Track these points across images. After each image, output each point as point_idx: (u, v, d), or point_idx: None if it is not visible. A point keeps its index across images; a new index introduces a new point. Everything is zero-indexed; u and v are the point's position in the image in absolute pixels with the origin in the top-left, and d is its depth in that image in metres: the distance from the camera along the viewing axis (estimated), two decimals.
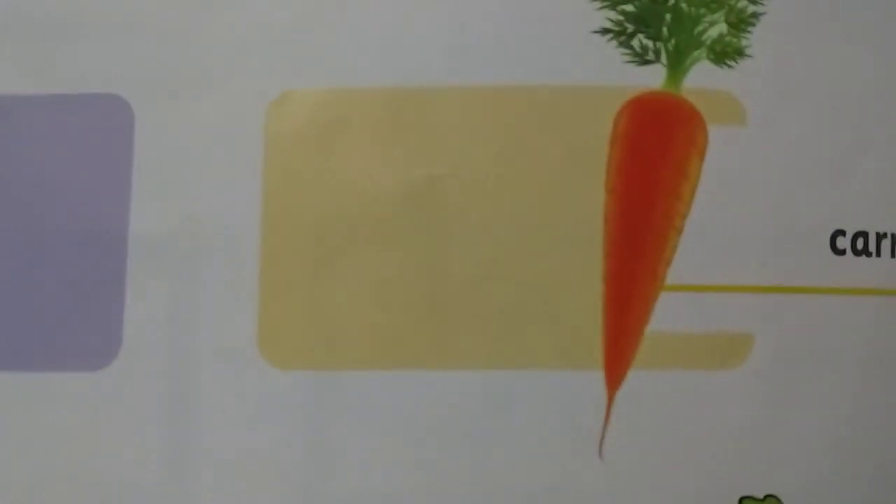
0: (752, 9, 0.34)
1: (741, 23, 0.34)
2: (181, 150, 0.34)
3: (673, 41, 0.34)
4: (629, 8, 0.34)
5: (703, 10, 0.34)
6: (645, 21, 0.34)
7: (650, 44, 0.34)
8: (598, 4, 0.34)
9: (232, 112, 0.34)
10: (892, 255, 0.33)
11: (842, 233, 0.33)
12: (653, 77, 0.34)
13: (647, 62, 0.34)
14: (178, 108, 0.34)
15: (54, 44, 0.34)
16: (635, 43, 0.34)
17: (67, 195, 0.34)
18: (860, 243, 0.33)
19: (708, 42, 0.34)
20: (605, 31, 0.34)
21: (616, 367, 0.32)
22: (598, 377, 0.32)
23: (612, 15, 0.34)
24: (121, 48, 0.34)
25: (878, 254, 0.33)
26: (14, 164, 0.34)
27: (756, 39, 0.34)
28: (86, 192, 0.34)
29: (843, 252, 0.33)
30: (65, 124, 0.34)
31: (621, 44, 0.34)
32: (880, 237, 0.33)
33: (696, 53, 0.34)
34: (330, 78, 0.34)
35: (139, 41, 0.34)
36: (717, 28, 0.34)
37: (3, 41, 0.34)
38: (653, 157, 0.33)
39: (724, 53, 0.34)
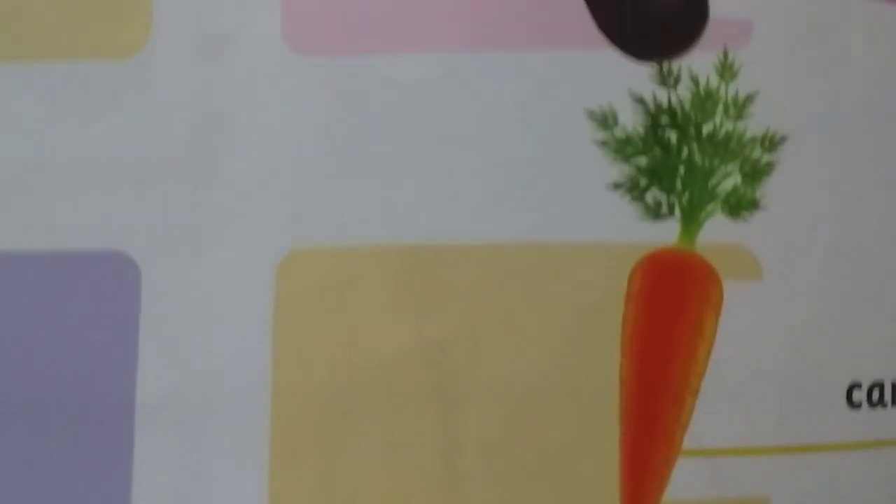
0: (766, 158, 0.33)
1: (756, 173, 0.33)
2: (188, 308, 0.33)
3: (687, 194, 0.33)
4: (642, 161, 0.33)
5: (716, 162, 0.33)
6: (658, 174, 0.33)
7: (664, 198, 0.33)
8: (611, 158, 0.33)
9: (240, 270, 0.33)
10: None
11: (857, 385, 0.33)
12: (667, 232, 0.33)
13: (661, 217, 0.33)
14: (184, 265, 0.33)
15: (56, 198, 0.33)
16: (649, 197, 0.33)
17: (70, 357, 0.33)
18: (875, 395, 0.33)
19: (722, 195, 0.33)
20: (618, 185, 0.33)
21: None
22: None
23: (626, 169, 0.33)
24: (126, 203, 0.33)
25: (894, 404, 0.33)
26: (14, 324, 0.33)
27: (770, 190, 0.33)
28: (90, 354, 0.33)
29: (858, 406, 0.33)
30: (68, 282, 0.33)
31: (634, 198, 0.33)
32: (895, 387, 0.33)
33: (710, 207, 0.33)
34: (339, 235, 0.33)
35: (144, 196, 0.33)
36: (731, 180, 0.33)
37: (4, 195, 0.33)
38: (669, 318, 0.32)
39: (739, 206, 0.33)
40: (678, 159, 0.33)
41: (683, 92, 0.33)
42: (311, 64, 0.34)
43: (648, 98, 0.33)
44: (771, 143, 0.33)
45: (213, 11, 0.34)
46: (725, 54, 0.33)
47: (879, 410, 0.33)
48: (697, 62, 0.33)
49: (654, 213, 0.33)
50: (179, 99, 0.34)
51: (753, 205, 0.33)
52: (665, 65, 0.33)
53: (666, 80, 0.33)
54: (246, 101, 0.34)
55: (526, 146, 0.33)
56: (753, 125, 0.33)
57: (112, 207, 0.33)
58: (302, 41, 0.34)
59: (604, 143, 0.33)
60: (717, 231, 0.33)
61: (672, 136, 0.33)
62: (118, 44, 0.34)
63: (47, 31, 0.34)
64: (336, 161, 0.33)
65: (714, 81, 0.33)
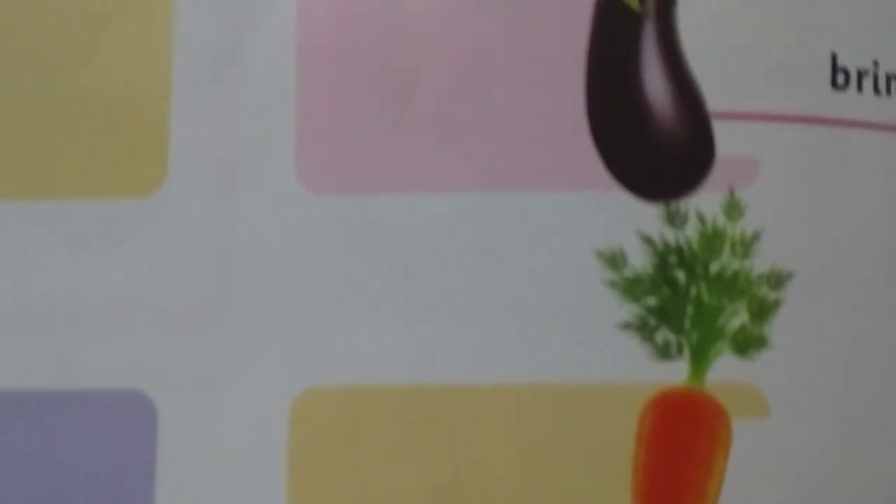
0: (773, 296, 0.33)
1: (763, 311, 0.33)
2: (205, 450, 0.33)
3: (695, 334, 0.33)
4: (651, 301, 0.33)
5: (724, 300, 0.33)
6: (667, 314, 0.33)
7: (673, 338, 0.33)
8: (620, 298, 0.33)
9: (255, 409, 0.33)
10: None
11: None
12: (676, 372, 0.33)
13: (669, 357, 0.33)
14: (201, 404, 0.33)
15: (74, 337, 0.34)
16: (658, 337, 0.33)
17: (88, 498, 0.33)
18: None
19: (730, 333, 0.33)
20: (627, 325, 0.33)
21: None
22: None
23: (635, 309, 0.33)
24: (144, 344, 0.33)
25: None
26: (32, 464, 0.33)
27: (778, 327, 0.33)
28: (107, 495, 0.33)
29: None
30: (86, 422, 0.33)
31: (644, 339, 0.33)
32: None
33: (718, 346, 0.33)
34: (353, 375, 0.33)
35: (161, 336, 0.34)
36: (738, 318, 0.33)
37: (22, 333, 0.34)
38: (679, 459, 0.33)
39: (747, 345, 0.33)
40: (686, 299, 0.33)
41: (691, 231, 0.34)
42: (325, 204, 0.34)
43: (656, 238, 0.33)
44: (777, 280, 0.33)
45: (229, 152, 0.34)
46: (732, 193, 0.34)
47: None
48: (704, 202, 0.34)
49: (664, 353, 0.33)
50: (196, 239, 0.34)
51: (761, 343, 0.33)
52: (672, 205, 0.34)
53: (673, 219, 0.33)
54: (261, 242, 0.34)
55: (536, 287, 0.33)
56: (760, 263, 0.34)
57: (130, 348, 0.34)
58: (317, 181, 0.34)
59: (613, 284, 0.33)
60: (725, 370, 0.33)
61: (680, 275, 0.33)
62: (135, 183, 0.34)
63: (66, 171, 0.34)
64: (350, 301, 0.34)
65: (721, 220, 0.34)
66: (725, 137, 0.34)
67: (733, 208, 0.34)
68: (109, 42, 0.35)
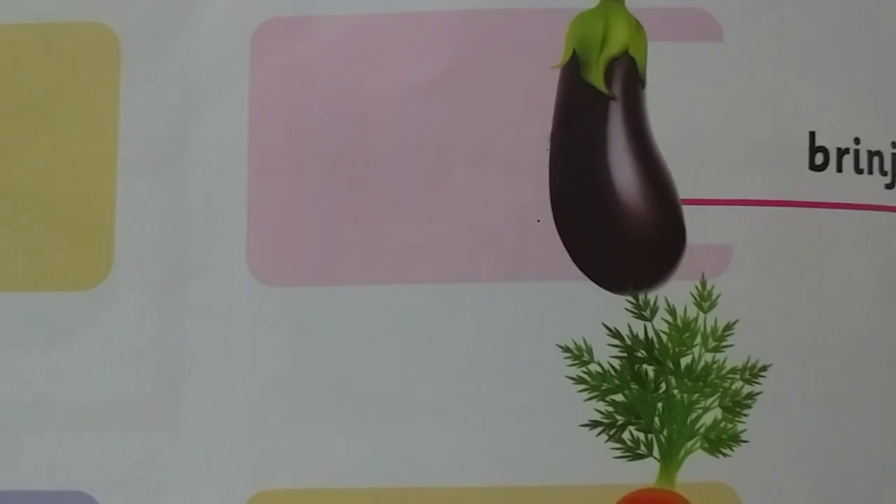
0: (747, 389, 0.31)
1: (736, 406, 0.31)
2: None
3: (666, 432, 0.31)
4: (619, 398, 0.31)
5: (696, 396, 0.31)
6: (636, 411, 0.31)
7: (642, 436, 0.31)
8: (586, 395, 0.31)
9: None
10: None
11: None
12: (645, 472, 0.31)
13: (638, 457, 0.31)
14: None
15: (16, 437, 0.32)
16: (626, 436, 0.31)
17: None
18: None
19: (702, 430, 0.31)
20: (594, 423, 0.31)
21: None
22: None
23: (602, 406, 0.31)
24: (87, 442, 0.32)
25: None
26: None
27: (751, 422, 0.31)
28: None
29: None
30: None
31: (612, 437, 0.31)
32: None
33: (689, 444, 0.31)
34: (308, 477, 0.31)
35: (106, 435, 0.32)
36: (711, 414, 0.31)
37: None
38: None
39: (720, 441, 0.31)
40: (656, 395, 0.31)
41: (660, 323, 0.31)
42: (277, 295, 0.32)
43: (624, 331, 0.31)
44: (752, 373, 0.31)
45: (176, 241, 0.32)
46: (703, 283, 0.32)
47: None
48: (674, 291, 0.32)
49: (633, 452, 0.31)
50: (142, 334, 0.32)
51: (734, 440, 0.31)
52: (641, 296, 0.31)
53: (642, 311, 0.31)
54: (210, 335, 0.32)
55: (498, 383, 0.31)
56: (733, 355, 0.31)
57: (75, 447, 0.32)
58: (268, 272, 0.32)
59: (579, 379, 0.31)
60: (697, 468, 0.31)
61: (649, 370, 0.31)
62: (79, 275, 0.32)
63: (8, 263, 0.32)
64: (304, 399, 0.32)
65: (692, 311, 0.31)
66: (697, 224, 0.32)
67: (705, 298, 0.32)
68: (51, 127, 0.33)
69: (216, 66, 0.33)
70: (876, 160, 0.33)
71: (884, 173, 0.33)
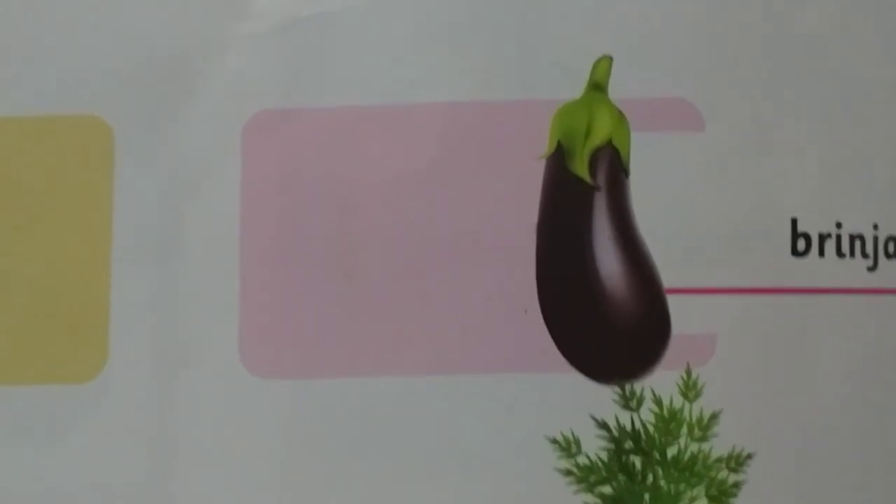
0: (733, 478, 0.31)
1: (722, 495, 0.31)
2: None
3: None
4: (607, 489, 0.31)
5: (682, 486, 0.31)
6: (623, 503, 0.30)
7: None
8: (574, 488, 0.31)
9: None
10: None
11: None
12: None
13: None
14: None
15: None
16: None
17: None
18: None
19: None
20: None
21: None
22: None
23: (590, 498, 0.31)
24: None
25: None
26: None
27: None
28: None
29: None
30: None
31: None
32: None
33: None
34: None
35: None
36: None
37: None
38: None
39: None
40: (643, 486, 0.31)
41: (647, 414, 0.31)
42: (270, 388, 0.31)
43: (612, 422, 0.31)
44: (737, 462, 0.31)
45: (170, 333, 0.32)
46: (688, 372, 0.31)
47: None
48: (660, 382, 0.31)
49: None
50: (137, 426, 0.31)
51: None
52: (628, 386, 0.31)
53: (629, 402, 0.31)
54: (202, 428, 0.32)
55: (488, 475, 0.31)
56: (719, 444, 0.31)
57: None
58: (260, 364, 0.32)
59: (566, 472, 0.31)
60: None
61: (636, 461, 0.31)
62: (74, 368, 0.32)
63: (4, 356, 0.32)
64: (294, 491, 0.31)
65: (678, 401, 0.31)
66: (681, 313, 0.31)
67: (690, 388, 0.31)
68: (46, 218, 0.32)
69: (208, 157, 0.33)
70: (858, 243, 0.33)
71: (865, 256, 0.33)
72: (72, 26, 0.33)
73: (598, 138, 0.32)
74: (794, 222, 0.32)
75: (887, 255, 0.33)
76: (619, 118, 0.32)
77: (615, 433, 0.31)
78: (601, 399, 0.31)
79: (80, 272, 0.32)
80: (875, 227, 0.33)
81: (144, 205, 0.32)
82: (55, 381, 0.32)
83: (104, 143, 0.33)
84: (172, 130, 0.33)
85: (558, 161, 0.32)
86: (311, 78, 0.33)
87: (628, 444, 0.31)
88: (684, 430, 0.31)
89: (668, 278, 0.32)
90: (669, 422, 0.31)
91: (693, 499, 0.31)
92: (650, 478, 0.31)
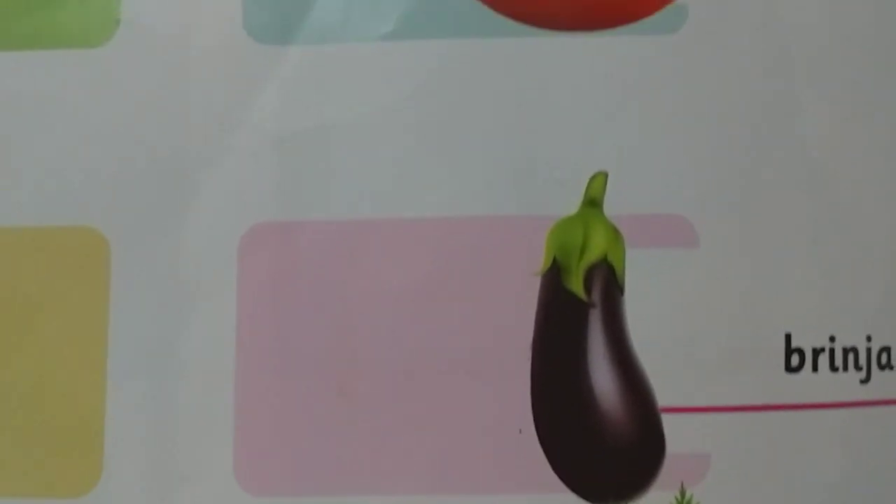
0: None
1: None
2: None
3: None
4: None
5: None
6: None
7: None
8: None
9: None
10: None
11: None
12: None
13: None
14: None
15: None
16: None
17: None
18: None
19: None
20: None
21: None
22: None
23: None
24: None
25: None
26: None
27: None
28: None
29: None
30: None
31: None
32: None
33: None
34: None
35: None
36: None
37: None
38: None
39: None
40: None
41: None
42: None
43: None
44: None
45: (165, 450, 0.31)
46: (683, 492, 0.31)
47: None
48: (654, 502, 0.31)
49: None
50: None
51: None
52: None
53: None
54: None
55: None
56: None
57: None
58: (256, 482, 0.31)
59: None
60: None
61: None
62: (68, 483, 0.32)
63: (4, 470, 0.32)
64: None
65: None
66: (675, 432, 0.31)
67: None
68: (42, 330, 0.32)
69: (205, 270, 0.33)
70: (851, 356, 0.33)
71: (858, 368, 0.33)
72: (68, 136, 0.33)
73: (593, 255, 0.32)
74: (787, 338, 0.32)
75: (880, 367, 0.33)
76: (614, 235, 0.32)
77: None
78: None
79: (75, 386, 0.32)
80: (868, 338, 0.33)
81: (140, 318, 0.32)
82: (48, 496, 0.32)
83: (101, 255, 0.33)
84: (169, 243, 0.33)
85: (554, 277, 0.32)
86: (308, 191, 0.33)
87: None
88: None
89: (662, 396, 0.32)
90: None
91: None
92: None
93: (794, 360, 0.32)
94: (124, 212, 0.33)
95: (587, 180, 0.33)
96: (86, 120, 0.33)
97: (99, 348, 0.33)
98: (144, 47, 0.34)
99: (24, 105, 0.33)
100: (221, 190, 0.33)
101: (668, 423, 0.32)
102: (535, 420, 0.32)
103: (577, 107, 0.33)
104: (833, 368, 0.32)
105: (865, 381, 0.32)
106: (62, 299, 0.33)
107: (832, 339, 0.33)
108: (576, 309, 0.32)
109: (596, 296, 0.32)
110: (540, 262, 0.32)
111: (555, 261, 0.32)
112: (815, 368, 0.32)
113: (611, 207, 0.33)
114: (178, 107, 0.33)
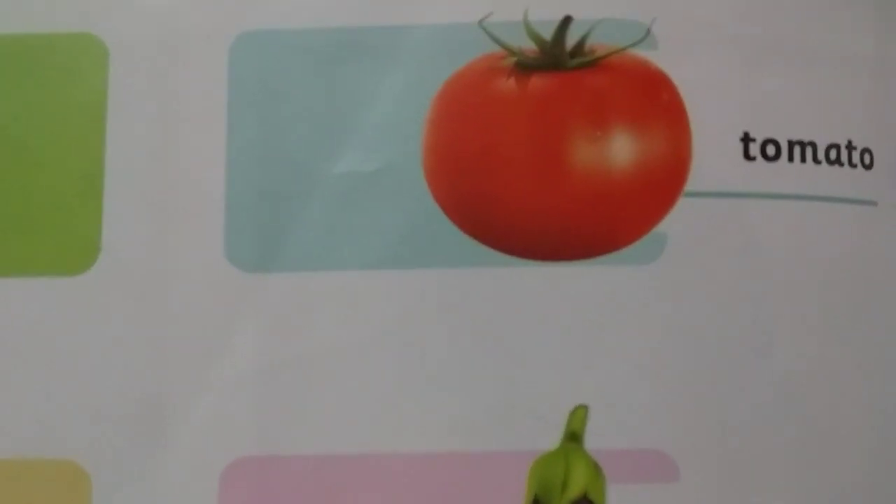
0: None
1: None
2: None
3: None
4: None
5: None
6: None
7: None
8: None
9: None
10: None
11: None
12: None
13: None
14: None
15: None
16: None
17: None
18: None
19: None
20: None
21: None
22: None
23: None
24: None
25: None
26: None
27: None
28: None
29: None
30: None
31: None
32: None
33: None
34: None
35: None
36: None
37: None
38: None
39: None
40: None
41: None
42: None
43: None
44: None
45: None
46: None
47: None
48: None
49: None
50: None
51: None
52: None
53: None
54: None
55: None
56: None
57: None
58: None
59: None
60: None
61: None
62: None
63: None
64: None
65: None
66: None
67: None
68: None
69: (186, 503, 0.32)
70: None
71: None
72: (46, 367, 0.33)
73: (573, 492, 0.32)
74: None
75: None
76: (595, 471, 0.32)
77: None
78: None
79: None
80: None
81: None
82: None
83: (82, 488, 0.32)
84: (149, 477, 0.32)
85: None
86: (288, 424, 0.32)
87: None
88: None
89: None
90: None
91: None
92: None
93: None
94: (105, 444, 0.32)
95: (567, 414, 0.32)
96: (64, 351, 0.33)
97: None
98: (124, 277, 0.33)
99: (2, 335, 0.33)
100: (200, 422, 0.33)
101: None
102: None
103: (557, 339, 0.33)
104: None
105: None
106: None
107: None
108: None
109: None
110: (521, 499, 0.32)
111: (536, 498, 0.32)
112: None
113: (592, 441, 0.32)
114: (157, 340, 0.33)
